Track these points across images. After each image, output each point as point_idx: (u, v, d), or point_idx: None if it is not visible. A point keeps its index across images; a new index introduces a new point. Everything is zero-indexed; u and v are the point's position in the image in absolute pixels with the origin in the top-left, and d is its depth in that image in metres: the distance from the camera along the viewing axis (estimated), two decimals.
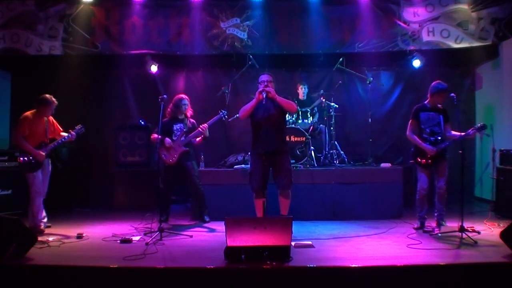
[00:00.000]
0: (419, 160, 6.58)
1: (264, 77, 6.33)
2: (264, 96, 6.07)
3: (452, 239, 5.96)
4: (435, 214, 6.62)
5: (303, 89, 8.99)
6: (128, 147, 9.12)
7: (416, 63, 9.10)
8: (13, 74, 9.77)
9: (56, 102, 6.91)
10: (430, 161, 6.49)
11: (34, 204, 6.72)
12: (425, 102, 6.68)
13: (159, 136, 6.99)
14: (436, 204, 6.62)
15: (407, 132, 6.71)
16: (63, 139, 6.92)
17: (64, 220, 7.59)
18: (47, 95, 6.90)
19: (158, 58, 9.27)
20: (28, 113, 6.84)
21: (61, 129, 7.12)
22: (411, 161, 6.79)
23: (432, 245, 5.69)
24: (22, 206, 8.17)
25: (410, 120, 6.71)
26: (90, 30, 8.79)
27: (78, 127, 7.03)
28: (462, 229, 5.95)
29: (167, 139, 7.29)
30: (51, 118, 7.02)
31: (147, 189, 8.79)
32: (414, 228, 6.66)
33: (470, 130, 6.31)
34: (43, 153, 6.74)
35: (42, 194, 6.80)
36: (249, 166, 6.73)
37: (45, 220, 6.91)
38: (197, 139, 7.40)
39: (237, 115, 6.59)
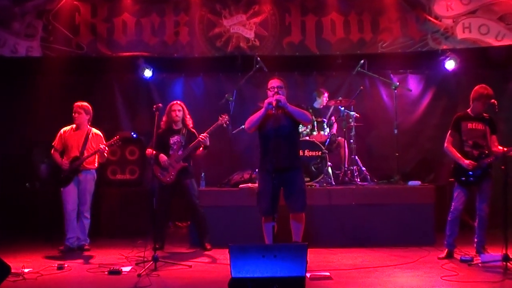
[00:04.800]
0: (460, 177, 6.54)
1: (274, 83, 6.31)
2: (274, 104, 6.05)
3: (494, 269, 5.88)
4: (475, 241, 6.59)
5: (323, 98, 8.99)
6: (118, 163, 9.13)
7: (450, 64, 9.08)
8: None
9: (81, 109, 7.43)
10: (472, 179, 6.44)
11: (64, 221, 7.35)
12: (468, 110, 6.66)
13: (154, 152, 7.00)
14: (476, 229, 6.59)
15: (445, 144, 6.70)
16: (92, 154, 7.41)
17: (42, 248, 7.53)
18: (75, 104, 7.45)
19: (152, 61, 9.31)
20: (66, 127, 7.55)
21: (105, 143, 7.51)
22: (450, 179, 6.73)
23: (471, 277, 5.63)
24: None
25: (449, 131, 6.70)
26: (74, 28, 8.85)
27: (114, 139, 7.42)
28: (506, 258, 5.87)
29: (162, 156, 7.29)
30: (94, 131, 7.58)
31: (139, 211, 8.74)
32: (440, 258, 6.59)
33: None
34: (67, 165, 7.32)
35: (72, 211, 7.36)
36: (256, 185, 6.69)
37: (77, 241, 7.42)
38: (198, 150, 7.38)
39: (243, 126, 6.58)
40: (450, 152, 6.63)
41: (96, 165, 7.59)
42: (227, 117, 7.39)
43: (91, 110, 7.57)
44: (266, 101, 6.19)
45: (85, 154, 7.37)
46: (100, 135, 7.63)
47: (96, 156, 7.50)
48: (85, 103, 7.53)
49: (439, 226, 7.37)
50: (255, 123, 6.25)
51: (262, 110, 6.19)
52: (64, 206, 7.36)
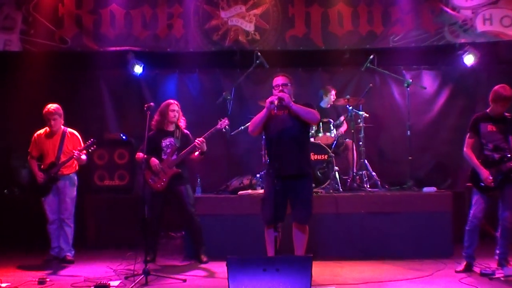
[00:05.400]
0: (479, 182, 6.47)
1: (278, 80, 6.21)
2: (276, 103, 5.98)
3: None
4: (497, 252, 6.53)
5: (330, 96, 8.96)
6: (106, 167, 9.09)
7: (469, 59, 9.05)
8: None
9: (51, 110, 7.38)
10: (493, 184, 6.37)
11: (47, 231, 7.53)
12: (487, 111, 6.61)
13: (145, 156, 6.95)
14: (498, 239, 6.53)
15: (464, 149, 6.64)
16: (67, 160, 7.38)
17: (22, 261, 7.54)
18: (47, 110, 7.41)
19: (143, 56, 9.31)
20: (40, 131, 7.56)
21: (82, 144, 7.54)
22: (468, 184, 6.68)
23: None
24: None
25: (468, 134, 6.65)
26: (57, 20, 8.84)
27: (88, 142, 7.42)
28: None
29: (154, 160, 7.24)
30: (69, 131, 7.57)
31: (129, 220, 8.70)
32: (457, 271, 6.55)
33: None
34: (42, 176, 7.39)
35: (54, 221, 7.48)
36: (257, 191, 6.64)
37: (60, 252, 7.50)
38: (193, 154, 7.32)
39: (242, 127, 6.53)
40: (469, 158, 6.57)
41: (76, 168, 7.61)
42: (227, 121, 7.34)
43: (62, 111, 7.55)
44: (268, 100, 6.10)
45: (62, 158, 7.36)
46: (76, 135, 7.61)
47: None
48: (56, 106, 7.46)
49: (457, 237, 7.36)
50: (257, 125, 6.19)
51: (264, 110, 6.11)
52: (46, 216, 7.46)
